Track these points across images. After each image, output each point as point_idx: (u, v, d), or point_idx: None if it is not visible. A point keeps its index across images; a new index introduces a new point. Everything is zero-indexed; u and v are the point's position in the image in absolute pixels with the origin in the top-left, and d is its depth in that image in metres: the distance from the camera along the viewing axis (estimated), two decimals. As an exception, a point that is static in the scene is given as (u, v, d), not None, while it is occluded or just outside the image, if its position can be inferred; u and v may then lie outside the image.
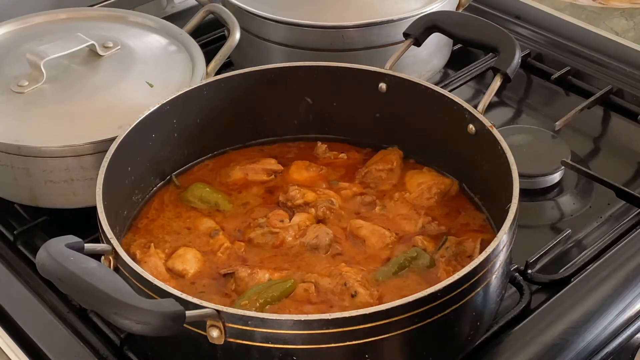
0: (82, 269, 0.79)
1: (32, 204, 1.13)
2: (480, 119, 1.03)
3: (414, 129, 1.13)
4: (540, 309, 1.01)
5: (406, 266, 0.99)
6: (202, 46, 1.27)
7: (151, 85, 1.17)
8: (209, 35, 1.47)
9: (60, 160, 1.08)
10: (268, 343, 0.81)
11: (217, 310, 0.80)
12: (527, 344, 0.97)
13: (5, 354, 0.97)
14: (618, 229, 1.13)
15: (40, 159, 1.08)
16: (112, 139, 1.02)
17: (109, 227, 0.90)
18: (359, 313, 0.80)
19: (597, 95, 1.35)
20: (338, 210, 1.08)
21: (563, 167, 1.22)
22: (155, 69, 1.20)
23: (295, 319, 0.80)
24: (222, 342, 0.81)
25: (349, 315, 0.80)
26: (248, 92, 1.14)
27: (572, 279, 1.05)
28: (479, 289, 0.87)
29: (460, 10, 1.38)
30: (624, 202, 1.18)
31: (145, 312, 0.75)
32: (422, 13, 1.24)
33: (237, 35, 1.23)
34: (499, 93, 1.39)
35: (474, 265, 0.85)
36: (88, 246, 0.85)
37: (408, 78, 1.11)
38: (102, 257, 0.88)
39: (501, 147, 0.99)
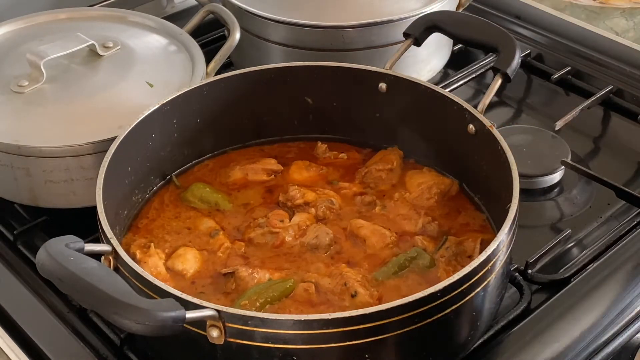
0: (82, 269, 0.79)
1: (32, 204, 1.13)
2: (480, 119, 1.03)
3: (414, 129, 1.13)
4: (540, 309, 1.01)
5: (406, 266, 0.99)
6: (202, 46, 1.27)
7: (151, 85, 1.17)
8: (209, 35, 1.47)
9: (60, 160, 1.08)
10: (268, 343, 0.81)
11: (217, 310, 0.80)
12: (527, 344, 0.97)
13: (5, 354, 0.97)
14: (618, 229, 1.13)
15: (40, 159, 1.08)
16: (112, 139, 1.02)
17: (109, 227, 0.90)
18: (359, 313, 0.80)
19: (597, 95, 1.35)
20: (338, 210, 1.08)
21: (563, 167, 1.22)
22: (155, 69, 1.20)
23: (295, 319, 0.80)
24: (222, 342, 0.81)
25: (349, 315, 0.80)
26: (248, 92, 1.14)
27: (572, 279, 1.05)
28: (479, 289, 0.87)
29: (460, 10, 1.38)
30: (624, 202, 1.18)
31: (145, 312, 0.75)
32: (422, 13, 1.24)
33: (237, 35, 1.23)
34: (499, 93, 1.39)
35: (474, 265, 0.85)
36: (88, 246, 0.85)
37: (408, 78, 1.11)
38: (102, 257, 0.88)
39: (501, 147, 0.99)
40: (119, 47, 1.22)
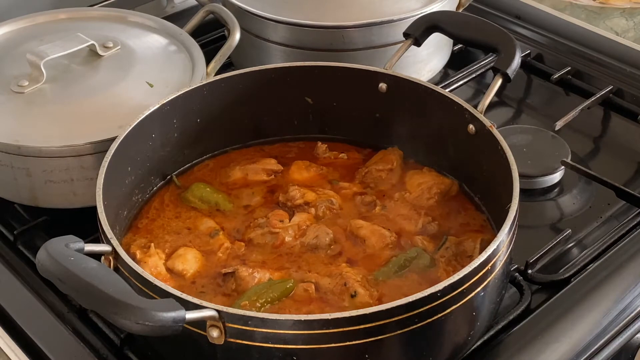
0: (82, 269, 0.79)
1: (32, 204, 1.13)
2: (481, 119, 1.03)
3: (414, 129, 1.13)
4: (540, 309, 1.01)
5: (406, 266, 0.99)
6: (202, 46, 1.27)
7: (151, 85, 1.17)
8: (209, 35, 1.47)
9: (60, 160, 1.08)
10: (268, 343, 0.81)
11: (217, 310, 0.80)
12: (527, 344, 0.97)
13: (5, 354, 0.97)
14: (618, 229, 1.13)
15: (40, 159, 1.08)
16: (112, 139, 1.02)
17: (109, 227, 0.90)
18: (359, 313, 0.80)
19: (597, 95, 1.35)
20: (338, 210, 1.08)
21: (563, 167, 1.22)
22: (155, 69, 1.20)
23: (295, 319, 0.80)
24: (222, 342, 0.81)
25: (349, 315, 0.80)
26: (248, 92, 1.14)
27: (572, 279, 1.05)
28: (479, 289, 0.87)
29: (460, 10, 1.38)
30: (624, 202, 1.18)
31: (146, 313, 0.75)
32: (422, 13, 1.24)
33: (237, 35, 1.23)
34: (499, 93, 1.39)
35: (474, 265, 0.85)
36: (88, 246, 0.85)
37: (408, 78, 1.11)
38: (102, 257, 0.88)
39: (501, 147, 0.99)
40: (119, 47, 1.22)
